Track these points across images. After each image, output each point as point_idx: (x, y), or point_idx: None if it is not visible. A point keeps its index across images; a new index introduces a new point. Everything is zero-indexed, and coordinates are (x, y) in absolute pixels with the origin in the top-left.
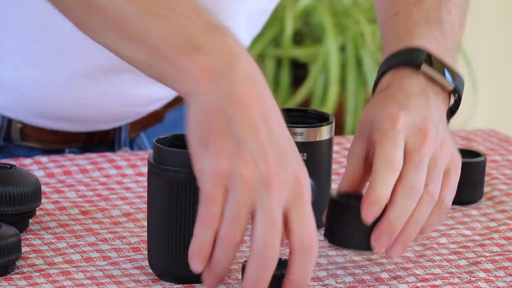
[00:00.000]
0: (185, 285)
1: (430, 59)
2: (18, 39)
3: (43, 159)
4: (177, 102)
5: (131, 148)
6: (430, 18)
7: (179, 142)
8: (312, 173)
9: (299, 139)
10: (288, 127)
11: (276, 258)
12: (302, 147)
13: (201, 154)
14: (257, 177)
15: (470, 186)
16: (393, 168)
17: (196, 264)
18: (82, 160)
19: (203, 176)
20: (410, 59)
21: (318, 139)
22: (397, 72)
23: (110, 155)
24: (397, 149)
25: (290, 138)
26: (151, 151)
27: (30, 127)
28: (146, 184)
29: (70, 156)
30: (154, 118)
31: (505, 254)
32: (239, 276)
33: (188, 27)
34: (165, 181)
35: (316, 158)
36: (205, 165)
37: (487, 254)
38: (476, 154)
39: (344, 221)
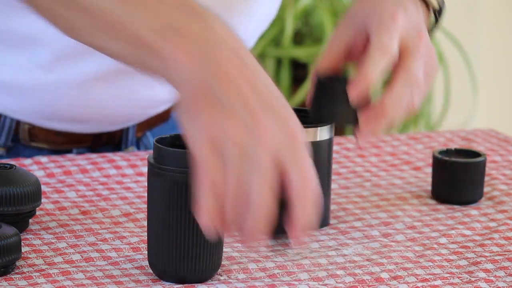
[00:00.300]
0: (185, 285)
1: None
2: (31, 43)
3: (43, 159)
4: None
5: (138, 148)
6: None
7: (179, 142)
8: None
9: None
10: None
11: (270, 207)
12: None
13: (191, 125)
14: (248, 136)
15: (470, 186)
16: (387, 53)
17: (211, 232)
18: (82, 160)
19: (195, 146)
20: None
21: (318, 139)
22: None
23: (110, 155)
24: (393, 39)
25: (282, 98)
26: (151, 151)
27: (38, 128)
28: (146, 184)
29: (70, 156)
30: (160, 117)
31: (505, 254)
32: (239, 276)
33: (168, 13)
34: (165, 181)
35: (316, 158)
36: (196, 133)
37: (487, 254)
38: (476, 154)
39: (330, 98)
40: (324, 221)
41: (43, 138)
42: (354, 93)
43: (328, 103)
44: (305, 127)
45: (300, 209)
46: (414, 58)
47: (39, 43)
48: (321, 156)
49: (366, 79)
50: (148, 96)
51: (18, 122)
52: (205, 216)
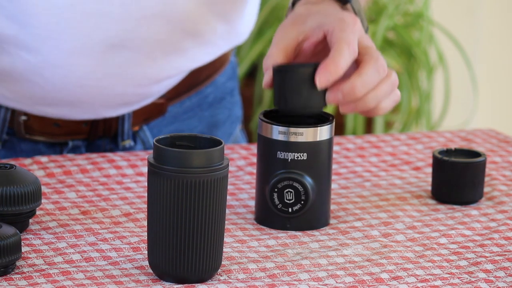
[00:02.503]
0: (185, 285)
1: (358, 6)
2: (13, 26)
3: (43, 159)
4: (179, 95)
5: (134, 141)
6: None
7: (179, 142)
8: (312, 173)
9: (300, 139)
10: (289, 127)
11: None
12: (302, 147)
13: None
14: None
15: (470, 186)
16: (353, 49)
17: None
18: (82, 160)
19: None
20: None
21: (318, 139)
22: None
23: (110, 155)
24: (356, 39)
25: None
26: (151, 151)
27: (34, 119)
28: (146, 184)
29: (70, 156)
30: (157, 111)
31: (505, 255)
32: (239, 276)
33: None
34: (165, 181)
35: (316, 158)
36: None
37: (487, 255)
38: (476, 154)
39: (293, 85)
40: (324, 221)
41: (39, 130)
42: (323, 78)
43: (295, 90)
44: (305, 127)
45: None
46: (379, 55)
47: (19, 25)
48: (321, 156)
49: (335, 65)
50: (136, 73)
51: (12, 115)
52: None
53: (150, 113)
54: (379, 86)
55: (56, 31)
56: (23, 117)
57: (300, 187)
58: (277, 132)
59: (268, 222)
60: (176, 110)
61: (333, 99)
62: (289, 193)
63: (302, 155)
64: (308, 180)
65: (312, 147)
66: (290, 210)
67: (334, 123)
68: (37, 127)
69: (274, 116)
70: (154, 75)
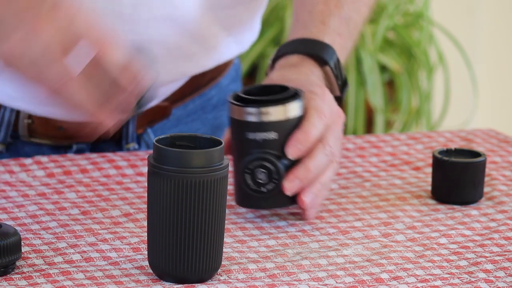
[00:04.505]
0: (185, 285)
1: (337, 63)
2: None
3: (43, 159)
4: (183, 98)
5: (139, 145)
6: (342, 13)
7: (179, 142)
8: (284, 152)
9: (268, 118)
10: (257, 107)
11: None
12: (271, 126)
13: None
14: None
15: (470, 186)
16: (324, 118)
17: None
18: (82, 160)
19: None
20: (321, 55)
21: (287, 117)
22: (306, 58)
23: (110, 155)
24: (327, 108)
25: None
26: (151, 151)
27: (38, 122)
28: (146, 184)
29: (70, 156)
30: (161, 114)
31: (505, 255)
32: (239, 276)
33: None
34: (165, 181)
35: (287, 136)
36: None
37: (487, 255)
38: (476, 154)
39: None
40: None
41: (43, 133)
42: (293, 149)
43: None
44: (272, 106)
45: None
46: (332, 134)
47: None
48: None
49: (305, 135)
50: None
51: (17, 118)
52: None
53: (155, 116)
54: (327, 172)
55: None
56: (27, 120)
57: (271, 167)
58: (246, 114)
59: (245, 203)
60: (180, 112)
61: (292, 188)
62: (261, 173)
63: (272, 134)
64: (280, 159)
65: (281, 126)
66: (263, 189)
67: (302, 99)
68: (41, 130)
69: (244, 98)
70: (160, 78)
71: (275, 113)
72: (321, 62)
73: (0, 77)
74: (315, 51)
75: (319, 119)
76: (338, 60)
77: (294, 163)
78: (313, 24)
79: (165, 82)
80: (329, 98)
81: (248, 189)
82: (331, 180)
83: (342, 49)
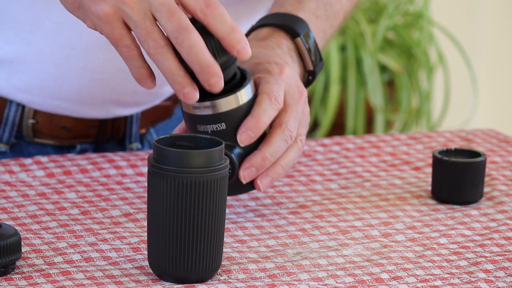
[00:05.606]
0: (185, 285)
1: (308, 35)
2: (32, 14)
3: (43, 159)
4: None
5: (142, 144)
6: None
7: (179, 142)
8: (235, 140)
9: (214, 110)
10: (201, 101)
11: (191, 26)
12: (218, 117)
13: (83, 13)
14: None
15: (470, 186)
16: (276, 103)
17: (148, 85)
18: (82, 160)
19: (101, 26)
20: (292, 26)
21: (232, 107)
22: (277, 30)
23: (110, 155)
24: (281, 90)
25: None
26: (151, 151)
27: (42, 122)
28: (146, 184)
29: (70, 156)
30: (164, 113)
31: (505, 255)
32: (239, 276)
33: None
34: (165, 181)
35: (236, 124)
36: (93, 17)
37: (487, 255)
38: (476, 154)
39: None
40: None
41: (47, 133)
42: (244, 136)
43: None
44: (216, 98)
45: (213, 17)
46: (292, 115)
47: (39, 13)
48: (241, 121)
49: (256, 121)
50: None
51: (21, 118)
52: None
53: (158, 115)
54: (286, 154)
55: (76, 21)
56: (32, 120)
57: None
58: (193, 107)
59: None
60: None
61: (248, 176)
62: None
63: (221, 125)
64: (232, 148)
65: (229, 115)
66: None
67: (251, 83)
68: (46, 130)
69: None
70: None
71: (223, 104)
72: (292, 34)
73: (8, 68)
74: (286, 22)
75: (270, 104)
76: (310, 34)
77: (249, 150)
78: (289, 2)
79: None
80: (287, 75)
81: None
82: (294, 161)
83: (319, 31)
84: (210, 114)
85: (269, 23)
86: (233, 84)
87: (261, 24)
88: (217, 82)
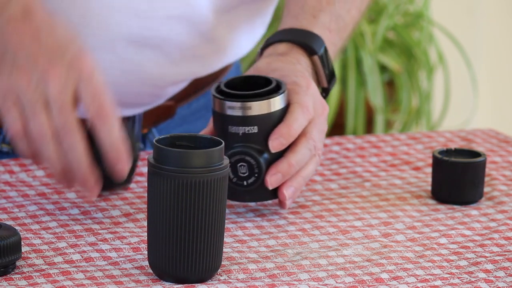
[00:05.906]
0: (185, 285)
1: (325, 54)
2: None
3: None
4: (187, 97)
5: (144, 144)
6: (333, 10)
7: (179, 142)
8: (265, 144)
9: (249, 113)
10: (238, 101)
11: (78, 136)
12: (252, 120)
13: None
14: (35, 81)
15: (470, 186)
16: (308, 112)
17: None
18: None
19: None
20: (310, 44)
21: (268, 112)
22: (295, 47)
23: None
24: (311, 102)
25: (66, 36)
26: (151, 151)
27: None
28: (146, 184)
29: None
30: (166, 113)
31: (505, 255)
32: (239, 276)
33: None
34: (165, 181)
35: (268, 130)
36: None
37: (487, 255)
38: (476, 154)
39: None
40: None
41: None
42: (276, 142)
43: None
44: (254, 100)
45: (102, 127)
46: (315, 126)
47: None
48: (273, 127)
49: (288, 129)
50: (155, 73)
51: None
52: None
53: (160, 115)
54: (308, 165)
55: (82, 24)
56: None
57: (252, 161)
58: (227, 107)
59: (229, 196)
60: (184, 112)
61: (275, 181)
62: (242, 167)
63: (253, 128)
64: (261, 153)
65: (263, 120)
66: (245, 183)
67: (285, 93)
68: None
69: (227, 91)
70: (171, 77)
71: (257, 107)
72: (309, 51)
73: None
74: (304, 40)
75: (302, 113)
76: (326, 51)
77: (276, 157)
78: (303, 16)
79: (175, 82)
80: (314, 89)
81: (230, 182)
82: (313, 173)
83: (331, 44)
84: (241, 116)
85: (287, 39)
86: (267, 90)
87: (278, 39)
88: (91, 189)
